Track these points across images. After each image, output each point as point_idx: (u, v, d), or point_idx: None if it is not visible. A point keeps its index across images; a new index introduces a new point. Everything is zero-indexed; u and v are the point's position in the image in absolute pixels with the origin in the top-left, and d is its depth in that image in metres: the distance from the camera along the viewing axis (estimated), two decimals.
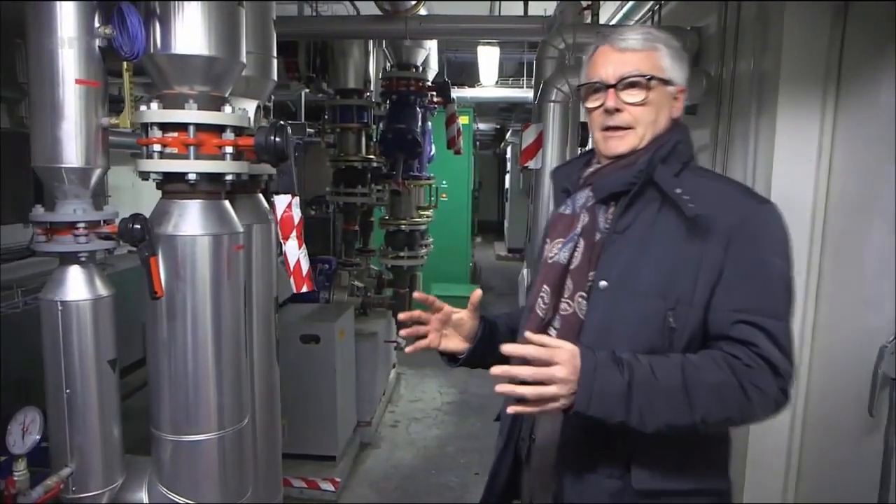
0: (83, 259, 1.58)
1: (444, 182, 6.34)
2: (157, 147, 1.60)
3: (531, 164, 2.82)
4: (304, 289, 1.83)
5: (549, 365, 1.04)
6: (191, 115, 1.60)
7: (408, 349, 1.40)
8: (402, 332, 1.43)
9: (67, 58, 1.50)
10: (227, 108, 1.67)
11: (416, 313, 1.37)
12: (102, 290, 1.61)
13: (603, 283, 1.17)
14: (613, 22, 3.65)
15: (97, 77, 1.56)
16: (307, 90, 4.83)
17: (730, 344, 1.11)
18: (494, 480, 1.39)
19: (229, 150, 1.66)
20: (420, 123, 4.25)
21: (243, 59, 1.74)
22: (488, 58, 5.78)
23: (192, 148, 1.61)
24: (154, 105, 1.61)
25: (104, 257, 1.72)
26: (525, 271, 3.08)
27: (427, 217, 4.73)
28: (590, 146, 1.36)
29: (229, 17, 1.66)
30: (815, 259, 2.19)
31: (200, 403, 1.69)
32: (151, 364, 1.69)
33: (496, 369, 1.05)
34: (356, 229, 4.53)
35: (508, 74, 7.73)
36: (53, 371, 1.57)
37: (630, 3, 3.28)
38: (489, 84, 7.16)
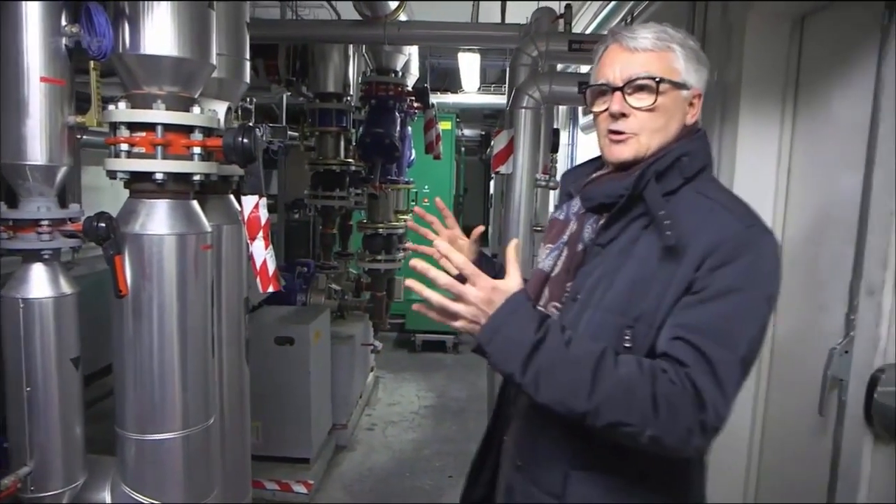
0: (47, 257, 1.58)
1: (425, 187, 6.37)
2: (124, 146, 1.61)
3: (502, 169, 2.86)
4: (271, 289, 1.84)
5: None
6: (159, 115, 1.62)
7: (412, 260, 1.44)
8: (408, 246, 1.47)
9: (33, 56, 1.51)
10: (196, 109, 1.69)
11: (429, 217, 1.46)
12: (66, 289, 1.62)
13: (575, 297, 1.14)
14: (588, 31, 3.71)
15: (63, 75, 1.57)
16: (288, 93, 4.84)
17: (666, 361, 1.00)
18: (478, 475, 1.37)
19: (197, 150, 1.67)
20: (399, 128, 4.27)
21: (213, 60, 1.76)
22: (469, 64, 5.83)
23: (159, 148, 1.62)
24: (122, 104, 1.62)
25: (71, 256, 1.72)
26: None
27: (405, 221, 4.76)
28: (579, 155, 1.38)
29: (199, 19, 1.67)
30: None
31: (166, 402, 1.69)
32: (116, 362, 1.69)
33: (415, 262, 1.00)
34: (334, 232, 4.54)
35: (491, 81, 7.80)
36: (14, 369, 1.57)
37: (604, 13, 3.33)
38: (471, 90, 7.21)
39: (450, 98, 7.33)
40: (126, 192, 1.71)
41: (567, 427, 1.06)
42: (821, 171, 2.04)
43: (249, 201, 1.80)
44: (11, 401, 1.59)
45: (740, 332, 1.01)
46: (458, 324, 1.03)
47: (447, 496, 3.58)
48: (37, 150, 1.54)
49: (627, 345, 1.05)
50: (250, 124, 1.77)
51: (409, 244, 1.51)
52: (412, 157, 4.89)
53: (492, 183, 13.24)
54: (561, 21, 3.06)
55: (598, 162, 1.29)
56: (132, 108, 1.63)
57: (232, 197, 2.19)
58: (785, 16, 2.14)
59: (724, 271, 1.01)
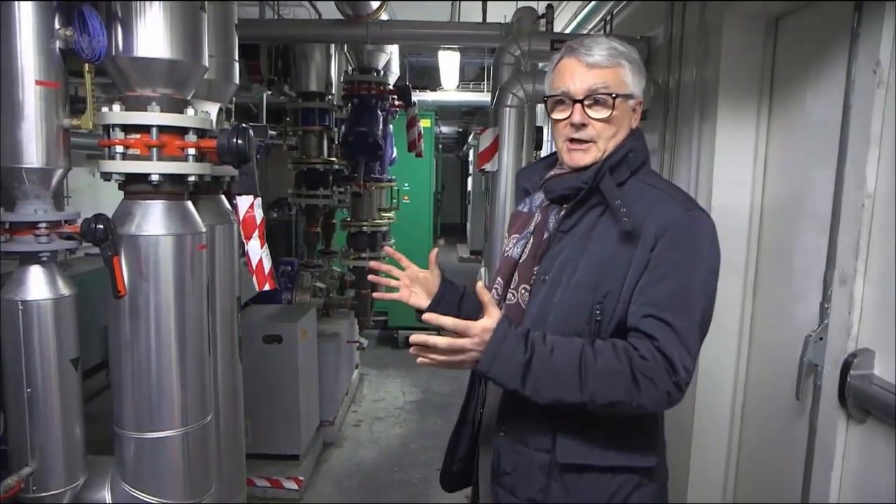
0: (44, 259, 1.59)
1: (405, 185, 6.39)
2: (119, 148, 1.62)
3: (488, 167, 2.91)
4: (267, 287, 1.87)
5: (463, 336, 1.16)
6: (154, 117, 1.63)
7: (376, 294, 1.56)
8: (370, 278, 1.54)
9: (27, 59, 1.51)
10: (190, 111, 1.71)
11: (386, 266, 1.52)
12: (64, 290, 1.62)
13: (544, 277, 1.28)
14: (568, 30, 3.78)
15: (57, 78, 1.57)
16: (269, 92, 4.83)
17: (636, 336, 1.18)
18: (455, 450, 1.51)
19: (192, 151, 1.69)
20: (381, 126, 4.30)
21: (206, 62, 1.78)
22: (449, 62, 5.88)
23: (154, 149, 1.64)
24: (116, 107, 1.63)
25: (65, 258, 1.73)
26: (483, 270, 3.17)
27: (388, 218, 4.79)
28: (550, 150, 1.46)
29: (191, 21, 1.69)
30: (753, 257, 2.34)
31: (164, 401, 1.71)
32: (114, 363, 1.70)
33: (415, 338, 1.17)
34: (318, 231, 4.55)
35: (470, 79, 7.85)
36: (13, 370, 1.58)
37: (584, 13, 3.40)
38: (451, 88, 7.26)
39: (429, 96, 7.36)
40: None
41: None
42: (795, 166, 2.12)
43: (244, 201, 1.82)
44: (12, 402, 1.59)
45: (695, 302, 1.20)
46: (464, 362, 1.19)
47: (435, 488, 3.63)
48: (33, 153, 1.54)
49: (598, 318, 1.22)
50: (244, 125, 1.78)
51: (387, 248, 1.64)
52: (394, 155, 4.92)
53: (469, 180, 13.33)
54: (542, 21, 3.11)
55: (549, 160, 1.45)
56: (126, 110, 1.64)
57: (223, 197, 2.21)
58: (760, 17, 2.22)
59: (673, 250, 1.20)
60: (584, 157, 1.28)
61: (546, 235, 1.32)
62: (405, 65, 5.63)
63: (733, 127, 2.29)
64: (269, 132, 5.73)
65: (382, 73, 4.32)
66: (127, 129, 1.63)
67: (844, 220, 1.68)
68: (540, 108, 3.75)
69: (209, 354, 1.89)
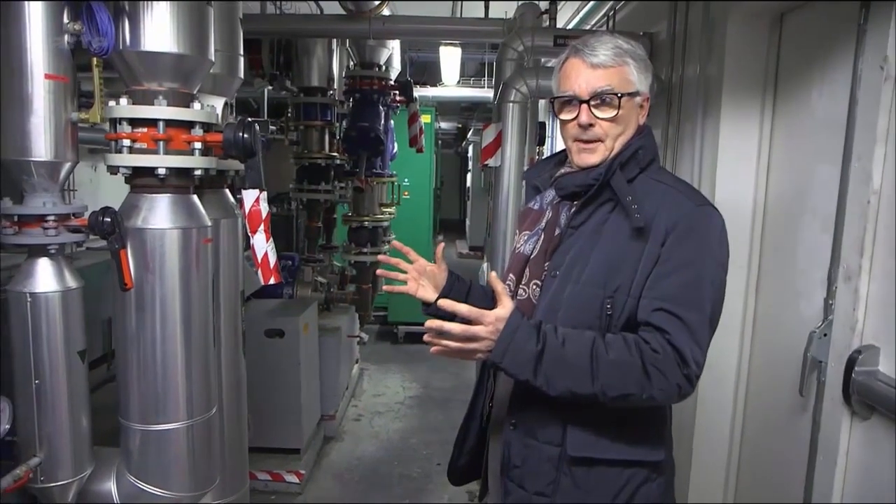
0: (52, 252, 1.59)
1: (405, 180, 6.39)
2: (126, 142, 1.63)
3: (491, 163, 2.91)
4: (272, 281, 1.87)
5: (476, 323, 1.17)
6: (161, 111, 1.64)
7: (386, 287, 1.54)
8: (379, 272, 1.53)
9: (36, 53, 1.52)
10: (196, 105, 1.71)
11: (394, 260, 1.51)
12: (71, 283, 1.63)
13: (555, 273, 1.29)
14: (570, 26, 3.77)
15: (66, 72, 1.58)
16: (270, 87, 4.82)
17: (647, 329, 1.19)
18: (463, 444, 1.52)
19: (198, 145, 1.70)
20: (383, 122, 4.30)
21: (212, 56, 1.78)
22: (450, 58, 5.87)
23: (161, 143, 1.64)
24: (123, 101, 1.64)
25: (73, 251, 1.73)
26: (485, 266, 3.17)
27: (389, 213, 4.79)
28: (553, 146, 1.46)
29: (198, 15, 1.70)
30: (756, 254, 2.34)
31: (169, 393, 1.72)
32: (120, 355, 1.71)
33: (431, 323, 1.18)
34: (319, 226, 4.55)
35: (470, 74, 7.84)
36: (22, 361, 1.59)
37: (587, 9, 3.40)
38: (451, 84, 7.25)
39: (429, 91, 7.35)
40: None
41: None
42: (799, 162, 2.13)
43: (250, 195, 1.82)
44: (20, 393, 1.60)
45: (705, 295, 1.21)
46: (477, 351, 1.20)
47: (435, 482, 3.65)
48: (41, 146, 1.54)
49: (609, 312, 1.23)
50: (249, 119, 1.79)
51: (395, 242, 1.59)
52: (395, 151, 4.92)
53: (468, 176, 13.31)
54: (545, 16, 3.11)
55: (557, 157, 1.46)
56: (133, 104, 1.64)
57: (227, 191, 2.21)
58: (764, 13, 2.23)
59: (683, 244, 1.21)
60: (591, 157, 1.30)
61: (557, 232, 1.34)
62: (406, 60, 5.62)
63: (737, 123, 2.29)
64: (270, 127, 5.75)
65: (384, 68, 4.31)
66: (134, 122, 1.64)
67: (849, 217, 1.68)
68: (542, 103, 3.76)
69: (214, 347, 1.90)
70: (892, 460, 1.50)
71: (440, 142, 12.47)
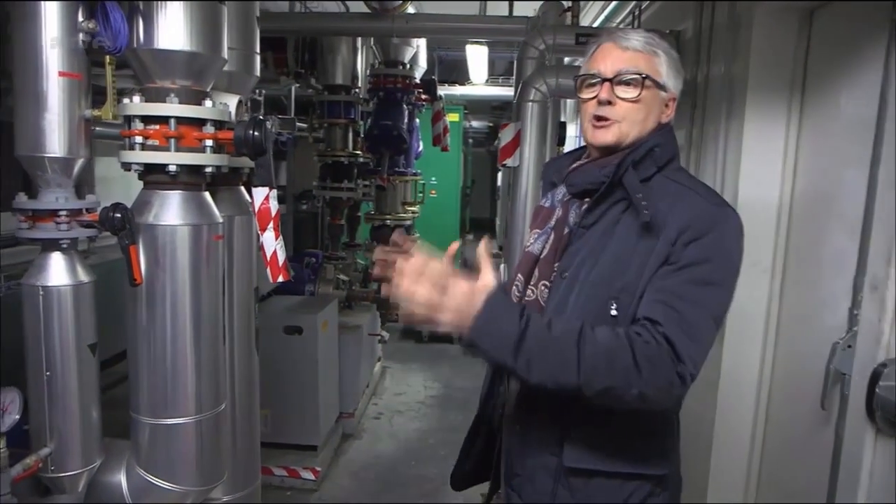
0: (65, 246, 1.62)
1: (433, 179, 6.40)
2: (138, 139, 1.66)
3: (509, 163, 2.88)
4: (280, 279, 1.88)
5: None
6: (172, 108, 1.65)
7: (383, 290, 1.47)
8: (376, 269, 1.48)
9: (51, 51, 1.54)
10: (208, 103, 1.73)
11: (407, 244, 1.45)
12: (83, 277, 1.66)
13: (564, 274, 1.24)
14: (596, 24, 3.71)
15: (80, 70, 1.60)
16: (297, 85, 4.87)
17: (642, 322, 1.11)
18: (470, 449, 1.49)
19: (209, 143, 1.71)
20: (406, 120, 4.30)
21: (224, 54, 1.79)
22: (477, 56, 5.84)
23: (172, 140, 1.66)
24: (136, 98, 1.66)
25: (88, 246, 1.77)
26: (502, 266, 3.14)
27: (412, 212, 4.79)
28: (578, 144, 1.42)
29: (211, 14, 1.71)
30: (780, 259, 2.26)
31: (178, 388, 1.74)
32: (130, 349, 1.74)
33: (380, 252, 1.12)
34: (342, 223, 4.58)
35: (499, 73, 7.79)
36: (34, 354, 1.62)
37: (611, 6, 3.34)
38: (479, 82, 7.22)
39: (458, 90, 7.34)
40: (138, 183, 1.75)
41: (561, 397, 1.13)
42: (826, 165, 2.04)
43: (260, 193, 1.83)
44: (32, 384, 1.63)
45: (711, 295, 1.14)
46: (445, 325, 1.07)
47: None
48: (55, 142, 1.57)
49: (614, 313, 1.15)
50: (261, 117, 1.79)
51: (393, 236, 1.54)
52: (420, 149, 4.91)
53: (499, 175, 13.25)
54: (568, 14, 3.06)
55: (576, 153, 1.41)
56: (146, 101, 1.66)
57: (242, 188, 2.23)
58: (792, 10, 2.14)
59: (696, 244, 1.14)
60: (606, 135, 1.24)
61: (567, 231, 1.28)
62: (433, 58, 5.62)
63: (762, 123, 2.21)
64: (298, 125, 5.81)
65: (409, 66, 4.31)
66: (146, 119, 1.66)
67: (877, 224, 1.61)
68: (564, 102, 3.71)
69: (224, 343, 1.92)
70: None
71: (471, 140, 12.44)
